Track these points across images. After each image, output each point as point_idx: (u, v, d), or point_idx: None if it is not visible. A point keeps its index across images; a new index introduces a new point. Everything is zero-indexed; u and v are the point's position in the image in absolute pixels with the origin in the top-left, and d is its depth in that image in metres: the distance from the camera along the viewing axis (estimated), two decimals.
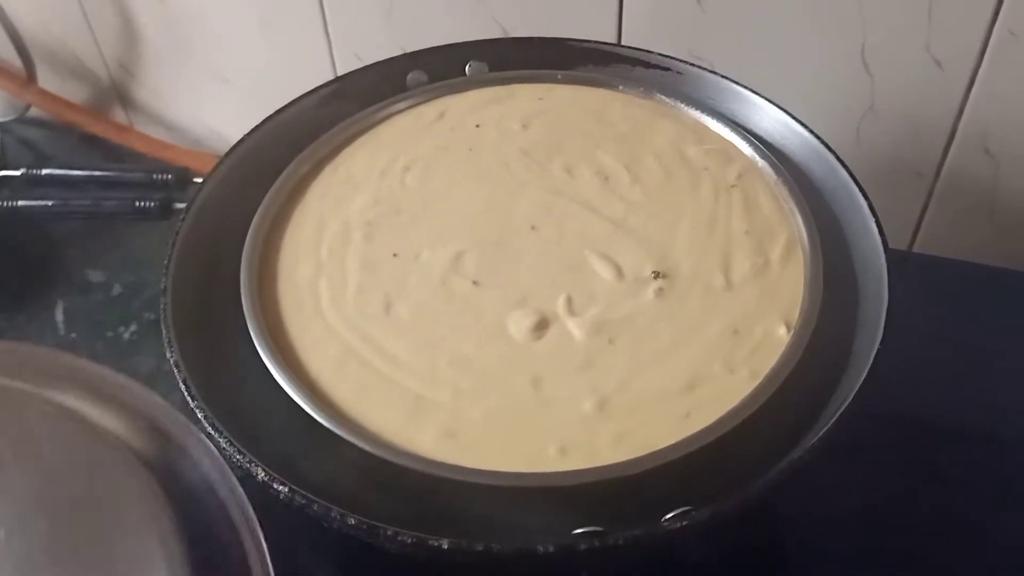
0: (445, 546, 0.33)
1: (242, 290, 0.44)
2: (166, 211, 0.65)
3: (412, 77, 0.55)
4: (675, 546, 0.35)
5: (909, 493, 0.52)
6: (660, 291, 0.44)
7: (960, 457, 0.54)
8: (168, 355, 0.40)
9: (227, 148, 0.49)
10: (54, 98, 0.82)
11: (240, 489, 0.39)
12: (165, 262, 0.44)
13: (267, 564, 0.38)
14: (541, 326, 0.42)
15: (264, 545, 0.39)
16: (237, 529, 0.38)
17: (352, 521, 0.34)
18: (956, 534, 0.50)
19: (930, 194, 0.64)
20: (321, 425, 0.38)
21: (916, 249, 0.66)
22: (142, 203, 0.67)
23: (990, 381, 0.57)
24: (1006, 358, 0.58)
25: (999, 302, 0.62)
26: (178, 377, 0.39)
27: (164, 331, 0.41)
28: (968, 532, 0.50)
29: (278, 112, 0.52)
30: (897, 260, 0.43)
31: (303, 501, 0.35)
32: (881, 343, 0.39)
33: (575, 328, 0.42)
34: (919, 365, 0.55)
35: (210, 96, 0.82)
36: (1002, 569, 0.49)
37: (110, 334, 0.65)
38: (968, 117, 0.59)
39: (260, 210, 0.47)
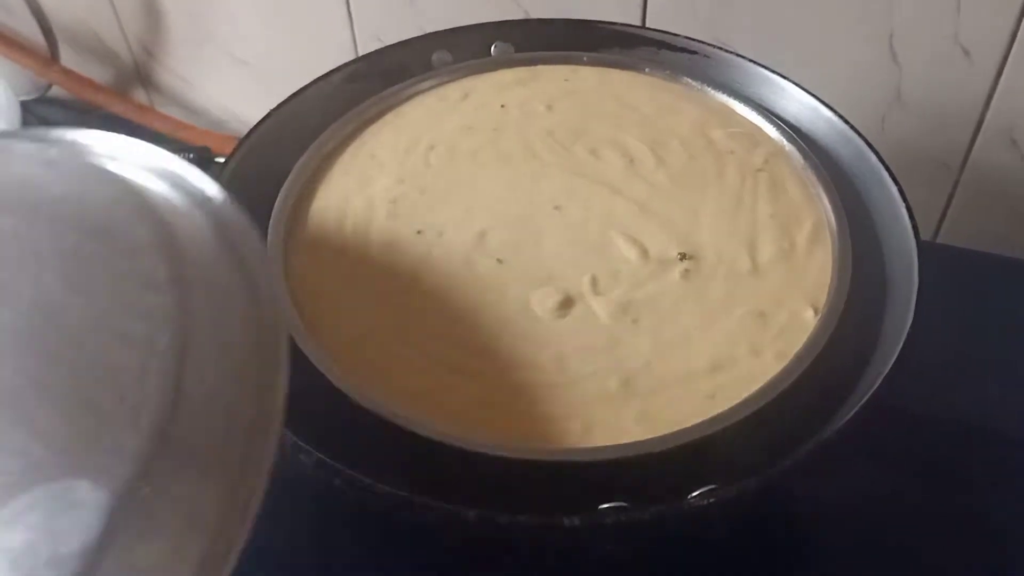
0: (471, 517, 0.33)
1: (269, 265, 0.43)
2: None
3: (437, 57, 0.55)
4: (699, 525, 0.35)
5: (925, 492, 0.51)
6: (685, 273, 0.43)
7: (980, 455, 0.53)
8: None
9: (246, 130, 0.49)
10: (76, 77, 0.82)
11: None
12: None
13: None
14: (565, 305, 0.42)
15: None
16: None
17: (380, 490, 0.34)
18: (971, 533, 0.49)
19: (955, 185, 0.63)
20: (346, 396, 0.38)
21: (940, 240, 0.66)
22: None
23: (1015, 376, 0.56)
24: None
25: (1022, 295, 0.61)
26: None
27: None
28: (983, 531, 0.49)
29: (302, 90, 0.52)
30: (921, 251, 0.43)
31: (331, 470, 0.35)
32: (911, 327, 0.39)
33: (599, 308, 0.42)
34: (942, 358, 0.54)
35: (230, 78, 0.82)
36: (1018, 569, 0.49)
37: None
38: (995, 107, 0.59)
39: (285, 186, 0.48)
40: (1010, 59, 0.57)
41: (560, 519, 0.33)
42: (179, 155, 0.67)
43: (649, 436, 0.37)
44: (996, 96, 0.59)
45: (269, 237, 0.45)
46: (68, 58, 0.84)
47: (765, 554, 0.47)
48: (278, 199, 0.47)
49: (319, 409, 0.39)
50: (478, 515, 0.33)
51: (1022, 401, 0.55)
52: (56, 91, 0.85)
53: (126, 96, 0.86)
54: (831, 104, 0.50)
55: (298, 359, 0.40)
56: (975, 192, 0.63)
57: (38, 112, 0.86)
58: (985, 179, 0.62)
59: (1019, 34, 0.56)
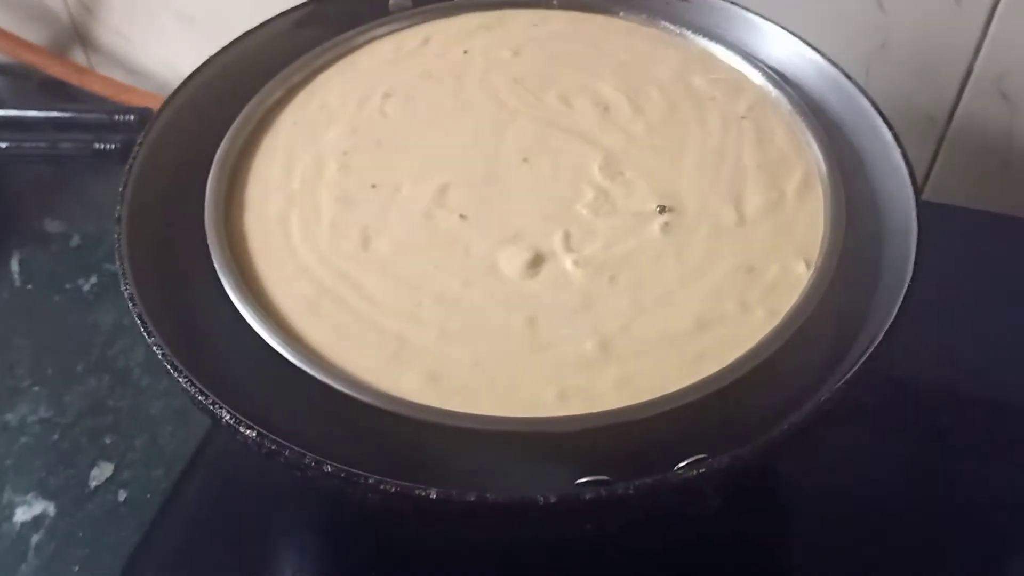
0: (433, 496, 0.29)
1: (206, 223, 0.40)
2: (128, 154, 0.60)
3: (395, 1, 0.51)
4: (687, 499, 0.32)
5: (913, 458, 0.49)
6: (666, 226, 0.40)
7: (967, 420, 0.51)
8: (123, 288, 0.36)
9: None
10: (10, 37, 0.77)
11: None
12: (120, 189, 0.40)
13: None
14: (535, 263, 0.39)
15: None
16: None
17: (328, 469, 0.30)
18: (970, 501, 0.48)
19: (941, 139, 0.60)
20: (294, 366, 0.35)
21: (925, 197, 0.63)
22: (102, 145, 0.63)
23: (1003, 337, 0.54)
24: (1020, 312, 0.55)
25: (1013, 253, 0.59)
26: (133, 312, 0.35)
27: (118, 261, 0.37)
28: (983, 498, 0.48)
29: (247, 34, 0.48)
30: (919, 201, 0.40)
31: (273, 447, 0.31)
32: (911, 282, 0.36)
33: (573, 266, 0.39)
34: (926, 319, 0.52)
35: (175, 36, 0.77)
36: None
37: (69, 286, 0.61)
38: (985, 57, 0.56)
39: (226, 139, 0.43)
40: (1000, 5, 0.54)
41: (534, 496, 0.29)
42: (118, 116, 0.64)
43: (630, 403, 0.33)
44: (985, 45, 0.56)
45: (208, 193, 0.41)
46: (2, 18, 0.78)
47: (759, 527, 0.44)
48: (218, 152, 0.43)
49: (262, 384, 0.35)
50: (440, 493, 0.29)
51: (1014, 361, 0.53)
52: None
53: (64, 57, 0.80)
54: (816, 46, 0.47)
55: (238, 325, 0.36)
56: (962, 147, 0.60)
57: None
58: (973, 133, 0.60)
59: None
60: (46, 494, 0.49)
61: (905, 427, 0.50)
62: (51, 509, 0.49)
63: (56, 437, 0.52)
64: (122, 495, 0.49)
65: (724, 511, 0.40)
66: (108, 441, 0.52)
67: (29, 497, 0.49)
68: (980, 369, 0.53)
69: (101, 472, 0.50)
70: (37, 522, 0.48)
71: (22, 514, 0.48)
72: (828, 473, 0.47)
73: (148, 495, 0.49)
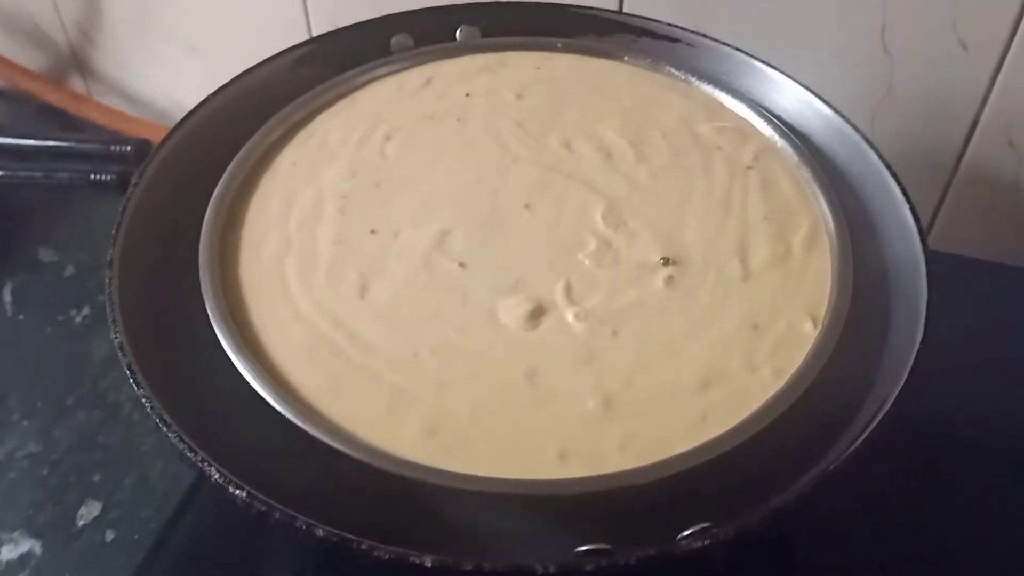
0: (428, 564, 0.28)
1: (200, 266, 0.39)
2: (124, 185, 0.59)
3: (397, 41, 0.51)
4: (692, 569, 0.31)
5: (916, 500, 0.48)
6: (670, 279, 0.39)
7: (973, 466, 0.50)
8: (112, 336, 0.35)
9: None
10: (8, 64, 0.77)
11: None
12: (113, 231, 0.39)
13: None
14: (536, 314, 0.38)
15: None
16: None
17: (320, 533, 0.29)
18: (964, 540, 0.47)
19: (947, 187, 0.60)
20: (287, 420, 0.34)
21: (930, 246, 0.62)
22: (98, 176, 0.62)
23: (1008, 387, 0.53)
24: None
25: (1018, 304, 0.58)
26: (122, 362, 0.34)
27: (108, 308, 0.36)
28: (976, 539, 0.47)
29: (247, 72, 0.47)
30: (928, 259, 0.39)
31: (263, 508, 0.30)
32: (921, 344, 0.35)
33: (574, 318, 0.38)
34: (931, 369, 0.51)
35: (175, 65, 0.76)
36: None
37: (61, 317, 0.60)
38: (993, 105, 0.56)
39: (224, 178, 0.43)
40: (1010, 54, 0.53)
41: (532, 566, 0.28)
42: (115, 147, 0.63)
43: (633, 465, 0.33)
44: (994, 93, 0.55)
45: (203, 233, 0.40)
46: (0, 43, 0.78)
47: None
48: (216, 191, 0.42)
49: (255, 435, 0.34)
50: (436, 560, 0.28)
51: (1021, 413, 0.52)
52: None
53: (62, 84, 0.80)
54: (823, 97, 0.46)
55: (231, 375, 0.35)
56: (968, 196, 0.60)
57: None
58: (979, 182, 0.59)
59: (1021, 27, 0.52)
60: (32, 532, 0.48)
61: (913, 473, 0.49)
62: (37, 548, 0.47)
63: (44, 473, 0.51)
64: (110, 535, 0.48)
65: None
66: (97, 478, 0.50)
67: (16, 535, 0.48)
68: (993, 416, 0.52)
69: (89, 511, 0.49)
70: (23, 561, 0.47)
71: (7, 552, 0.47)
72: (833, 518, 0.46)
73: (136, 536, 0.48)
